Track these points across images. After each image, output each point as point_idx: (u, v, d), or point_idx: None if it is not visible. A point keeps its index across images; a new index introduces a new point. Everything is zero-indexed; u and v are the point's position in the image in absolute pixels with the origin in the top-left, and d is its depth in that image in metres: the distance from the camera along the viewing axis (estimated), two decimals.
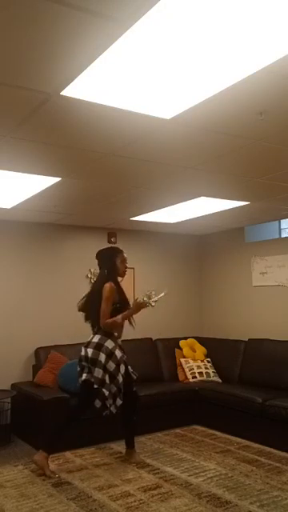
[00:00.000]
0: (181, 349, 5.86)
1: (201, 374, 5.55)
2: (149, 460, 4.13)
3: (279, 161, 3.26)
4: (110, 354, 3.85)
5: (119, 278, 4.07)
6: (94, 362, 3.81)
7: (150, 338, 5.90)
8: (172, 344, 5.89)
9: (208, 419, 5.10)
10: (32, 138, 2.75)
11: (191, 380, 5.50)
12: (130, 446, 4.16)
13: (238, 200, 4.41)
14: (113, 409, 3.85)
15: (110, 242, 5.91)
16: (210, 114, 2.42)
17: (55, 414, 4.39)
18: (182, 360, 5.72)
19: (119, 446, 4.39)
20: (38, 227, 5.46)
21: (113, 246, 4.25)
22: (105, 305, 3.88)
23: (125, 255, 4.13)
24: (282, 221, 6.09)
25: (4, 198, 4.20)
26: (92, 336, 3.95)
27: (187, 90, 2.16)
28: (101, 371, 3.79)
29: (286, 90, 2.18)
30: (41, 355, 5.14)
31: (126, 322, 4.03)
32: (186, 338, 6.02)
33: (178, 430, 5.00)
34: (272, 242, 5.81)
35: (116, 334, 3.95)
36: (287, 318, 5.44)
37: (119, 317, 3.88)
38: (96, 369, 3.80)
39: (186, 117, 2.45)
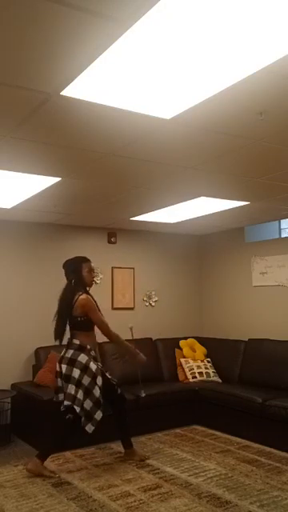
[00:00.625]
0: (181, 349, 5.86)
1: (201, 373, 5.55)
2: (149, 460, 4.13)
3: (279, 161, 3.26)
4: (85, 369, 3.77)
5: (87, 288, 4.03)
6: (67, 378, 3.77)
7: (150, 338, 5.90)
8: (172, 344, 5.88)
9: (208, 419, 5.10)
10: (32, 138, 2.75)
11: (191, 380, 5.50)
12: (128, 445, 4.16)
13: (238, 200, 4.41)
14: (88, 427, 3.71)
15: (110, 242, 5.92)
16: (209, 114, 2.42)
17: (55, 414, 4.39)
18: (182, 360, 5.72)
19: (119, 446, 4.38)
20: (38, 227, 5.46)
21: (79, 255, 4.15)
22: (96, 316, 3.89)
23: (92, 265, 4.09)
24: (281, 221, 6.09)
25: (4, 198, 4.20)
26: (64, 350, 3.91)
27: (187, 90, 2.16)
28: (73, 387, 3.73)
29: (286, 90, 2.18)
30: (41, 355, 5.14)
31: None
32: (186, 338, 6.02)
33: (178, 430, 5.00)
34: (272, 242, 5.81)
35: (89, 347, 3.87)
36: (287, 318, 5.44)
37: (126, 344, 4.05)
38: (69, 385, 3.75)
39: (186, 117, 2.45)
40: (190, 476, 3.77)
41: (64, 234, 5.65)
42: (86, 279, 4.02)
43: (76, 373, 3.75)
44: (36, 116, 2.43)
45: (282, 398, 4.51)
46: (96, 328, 3.96)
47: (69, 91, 2.15)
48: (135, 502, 3.32)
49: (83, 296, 3.90)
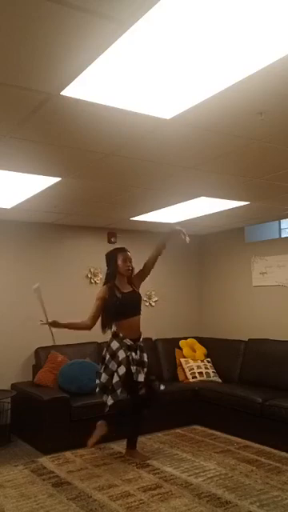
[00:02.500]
0: (181, 349, 5.86)
1: (201, 373, 5.55)
2: (149, 460, 4.13)
3: (279, 161, 3.26)
4: (113, 355, 3.95)
5: (123, 277, 4.11)
6: (102, 359, 4.04)
7: (150, 338, 5.89)
8: (172, 344, 5.88)
9: (208, 419, 5.10)
10: (32, 137, 2.75)
11: (191, 380, 5.50)
12: (131, 445, 4.19)
13: (238, 200, 4.41)
14: (107, 409, 3.90)
15: (110, 242, 5.91)
16: (210, 113, 2.42)
17: (55, 414, 4.40)
18: (182, 360, 5.72)
19: (119, 446, 4.39)
20: (38, 227, 5.45)
21: (116, 246, 4.31)
22: (93, 305, 4.04)
23: (127, 254, 4.14)
24: (281, 221, 6.09)
25: (4, 198, 4.20)
26: None
27: (187, 90, 2.16)
28: (102, 367, 3.99)
29: (286, 90, 2.18)
30: (41, 355, 5.14)
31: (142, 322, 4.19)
32: (186, 338, 6.02)
33: (178, 430, 5.00)
34: (272, 242, 5.81)
35: (121, 335, 4.00)
36: (287, 318, 5.44)
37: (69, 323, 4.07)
38: (100, 365, 4.03)
39: (186, 117, 2.45)
40: (189, 476, 3.77)
41: (64, 234, 5.65)
42: (120, 268, 4.08)
43: (107, 356, 3.98)
44: (36, 116, 2.43)
45: (281, 398, 4.50)
46: (133, 318, 4.09)
47: (69, 91, 2.15)
48: (135, 501, 3.31)
49: (102, 287, 4.12)
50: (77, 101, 2.24)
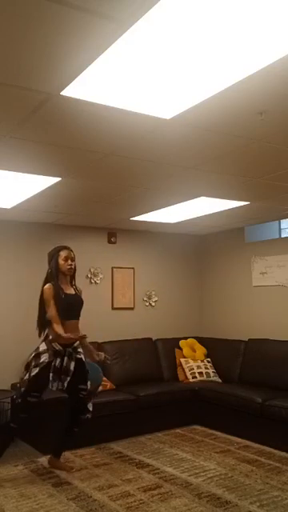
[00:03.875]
0: (181, 349, 5.86)
1: (201, 373, 5.55)
2: (149, 460, 4.13)
3: (279, 161, 3.26)
4: (37, 355, 3.75)
5: (65, 277, 3.89)
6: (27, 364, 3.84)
7: (150, 338, 5.90)
8: (172, 344, 5.88)
9: (208, 419, 5.10)
10: (32, 137, 2.75)
11: (191, 380, 5.50)
12: (57, 453, 4.03)
13: (238, 200, 4.41)
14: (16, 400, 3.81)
15: (110, 241, 5.92)
16: (210, 113, 2.42)
17: (55, 414, 4.39)
18: (182, 360, 5.72)
19: (119, 446, 4.39)
20: (38, 227, 5.45)
21: (57, 245, 4.04)
22: (47, 308, 3.77)
23: (70, 252, 3.90)
24: (281, 221, 6.09)
25: (4, 198, 4.20)
26: None
27: (187, 90, 2.16)
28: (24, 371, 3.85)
29: (286, 90, 2.18)
30: None
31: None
32: (186, 338, 6.02)
33: (178, 430, 5.00)
34: (272, 242, 5.81)
35: (51, 337, 3.76)
36: (287, 318, 5.44)
37: (66, 335, 3.66)
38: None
39: (186, 117, 2.45)
40: (190, 476, 3.77)
41: (64, 234, 5.64)
42: (61, 267, 3.85)
43: (31, 356, 3.80)
44: (36, 116, 2.43)
45: (281, 398, 4.51)
46: (70, 323, 3.80)
47: (69, 91, 2.15)
48: (135, 501, 3.31)
49: (45, 286, 3.84)
50: (77, 101, 2.24)
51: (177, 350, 5.85)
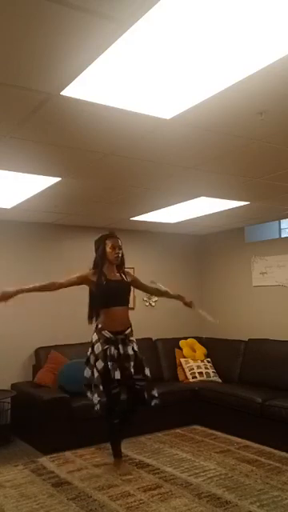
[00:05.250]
0: (181, 349, 5.86)
1: (201, 373, 5.55)
2: (149, 460, 4.13)
3: (279, 161, 3.26)
4: (91, 348, 3.73)
5: (112, 265, 3.84)
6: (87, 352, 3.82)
7: (150, 338, 5.90)
8: (172, 344, 5.88)
9: (208, 419, 5.10)
10: (32, 137, 2.75)
11: (191, 380, 5.50)
12: (117, 453, 3.91)
13: (238, 200, 4.41)
14: (97, 407, 3.60)
15: None
16: (210, 114, 2.42)
17: (55, 414, 4.39)
18: (182, 360, 5.72)
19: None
20: (38, 227, 5.45)
21: (103, 233, 3.98)
22: (67, 275, 3.83)
23: (117, 240, 3.85)
24: (281, 221, 6.09)
25: (4, 198, 4.20)
26: None
27: (187, 90, 2.16)
28: (85, 360, 3.78)
29: (286, 90, 2.18)
30: (41, 355, 5.14)
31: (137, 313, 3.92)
32: (186, 338, 6.02)
33: (178, 430, 5.00)
34: (272, 242, 5.81)
35: (100, 325, 3.73)
36: (287, 318, 5.44)
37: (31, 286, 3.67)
38: (85, 358, 3.81)
39: (186, 117, 2.45)
40: (189, 476, 3.77)
41: (64, 234, 5.64)
42: (109, 256, 3.81)
43: (89, 351, 3.74)
44: (36, 116, 2.43)
45: (282, 398, 4.50)
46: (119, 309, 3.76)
47: (69, 91, 2.15)
48: (135, 501, 3.31)
49: (89, 270, 3.82)
50: (77, 101, 2.24)
51: (177, 350, 5.85)
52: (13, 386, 5.01)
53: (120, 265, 3.90)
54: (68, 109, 2.34)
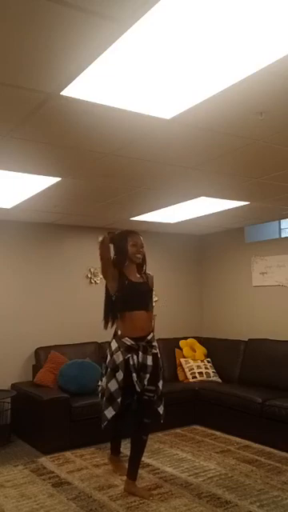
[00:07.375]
0: (181, 349, 5.86)
1: (201, 374, 5.55)
2: (149, 460, 4.13)
3: (279, 161, 3.26)
4: (111, 356, 3.43)
5: (133, 265, 3.55)
6: (104, 359, 3.56)
7: None
8: (172, 344, 5.88)
9: (208, 419, 5.10)
10: (32, 137, 2.75)
11: (191, 380, 5.50)
12: (132, 475, 3.51)
13: (238, 200, 4.41)
14: (103, 420, 3.34)
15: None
16: (209, 114, 2.42)
17: (55, 414, 4.40)
18: (182, 360, 5.72)
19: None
20: (38, 227, 5.46)
21: (126, 229, 3.71)
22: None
23: (139, 237, 3.58)
24: (281, 221, 6.09)
25: (4, 198, 4.20)
26: None
27: (187, 90, 2.16)
28: (104, 369, 3.50)
29: (286, 90, 2.18)
30: (41, 355, 5.14)
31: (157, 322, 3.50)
32: (186, 338, 6.02)
33: (178, 430, 5.00)
34: (272, 242, 5.81)
35: (119, 332, 3.44)
36: (287, 318, 5.44)
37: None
38: (103, 366, 3.54)
39: (186, 117, 2.45)
40: (190, 476, 3.77)
41: (64, 234, 5.65)
42: (131, 255, 3.50)
43: (108, 357, 3.44)
44: (36, 116, 2.43)
45: (282, 398, 4.50)
46: (143, 316, 3.45)
47: (69, 91, 2.15)
48: (135, 502, 3.31)
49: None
50: (77, 101, 2.24)
51: (177, 350, 5.85)
52: (13, 385, 5.01)
53: (141, 265, 3.60)
54: (68, 109, 2.34)
